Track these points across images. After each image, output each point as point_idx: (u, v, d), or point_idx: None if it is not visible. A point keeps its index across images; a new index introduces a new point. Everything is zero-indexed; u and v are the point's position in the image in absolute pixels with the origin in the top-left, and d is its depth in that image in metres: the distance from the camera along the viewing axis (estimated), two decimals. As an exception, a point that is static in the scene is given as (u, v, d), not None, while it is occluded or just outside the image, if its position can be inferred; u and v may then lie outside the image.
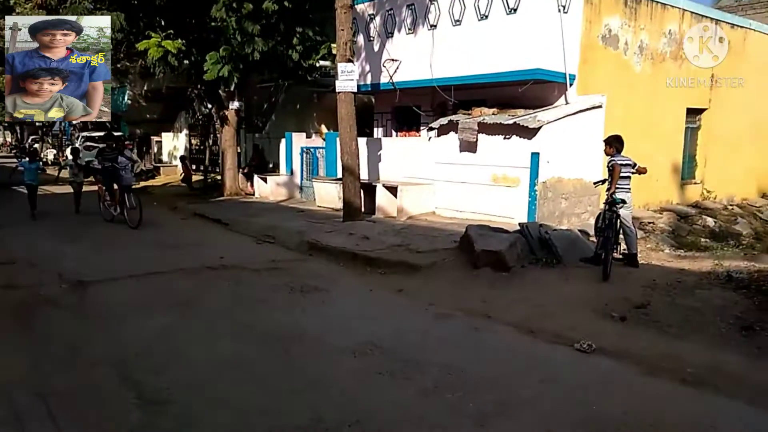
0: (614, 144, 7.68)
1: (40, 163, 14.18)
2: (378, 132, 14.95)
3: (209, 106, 18.30)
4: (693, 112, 13.48)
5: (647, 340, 5.26)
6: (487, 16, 10.88)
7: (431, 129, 11.88)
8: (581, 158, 10.58)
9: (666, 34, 12.42)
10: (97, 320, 5.92)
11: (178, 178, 21.18)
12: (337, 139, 12.28)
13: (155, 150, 25.96)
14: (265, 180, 16.14)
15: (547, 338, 5.35)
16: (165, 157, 25.83)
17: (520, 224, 8.47)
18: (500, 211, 10.24)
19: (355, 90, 11.14)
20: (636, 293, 6.52)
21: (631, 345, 5.13)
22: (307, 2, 14.45)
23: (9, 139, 51.80)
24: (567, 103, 10.72)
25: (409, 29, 12.48)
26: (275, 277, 7.63)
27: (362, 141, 12.27)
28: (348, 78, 10.78)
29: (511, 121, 10.11)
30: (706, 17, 13.28)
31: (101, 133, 23.37)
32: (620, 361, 4.80)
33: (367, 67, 13.56)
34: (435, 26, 11.87)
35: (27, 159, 13.41)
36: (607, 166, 7.74)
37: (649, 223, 10.91)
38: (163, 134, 25.97)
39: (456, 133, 11.14)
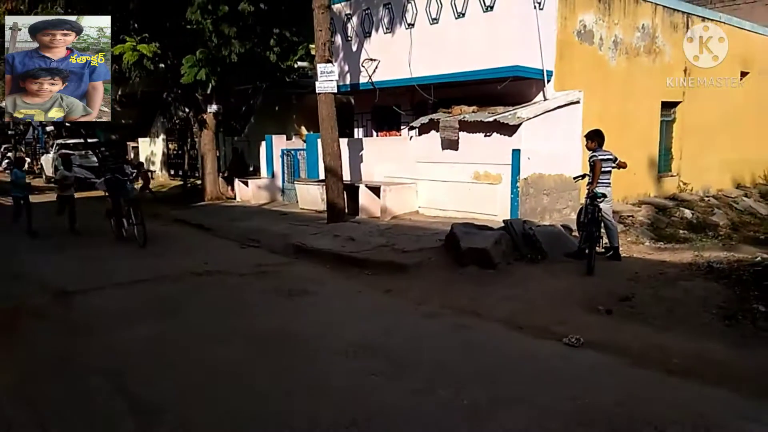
0: (595, 138, 7.80)
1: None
2: (358, 132, 14.96)
3: (186, 110, 18.17)
4: (668, 106, 13.71)
5: (633, 332, 5.35)
6: (464, 14, 10.95)
7: (412, 128, 11.93)
8: (561, 154, 10.70)
9: (639, 28, 12.62)
10: (85, 330, 5.84)
11: (157, 185, 20.96)
12: (318, 140, 12.28)
13: (132, 156, 25.66)
14: (246, 183, 16.06)
15: (536, 333, 5.42)
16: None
17: (504, 221, 8.55)
18: (483, 209, 10.31)
19: (336, 91, 11.14)
20: (620, 286, 6.64)
21: (617, 337, 5.22)
22: (284, 3, 14.40)
23: None
24: (545, 99, 10.84)
25: (386, 28, 12.51)
26: (262, 282, 7.61)
27: (343, 142, 12.27)
28: (328, 79, 10.78)
29: (491, 119, 10.20)
30: (678, 11, 13.53)
31: (76, 141, 23.08)
32: (608, 353, 4.88)
33: (346, 68, 13.56)
34: (413, 25, 11.91)
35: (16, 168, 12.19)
36: (588, 162, 7.85)
37: (629, 216, 11.08)
38: (140, 139, 25.68)
39: (437, 131, 11.21)
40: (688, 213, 12.13)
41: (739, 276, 6.57)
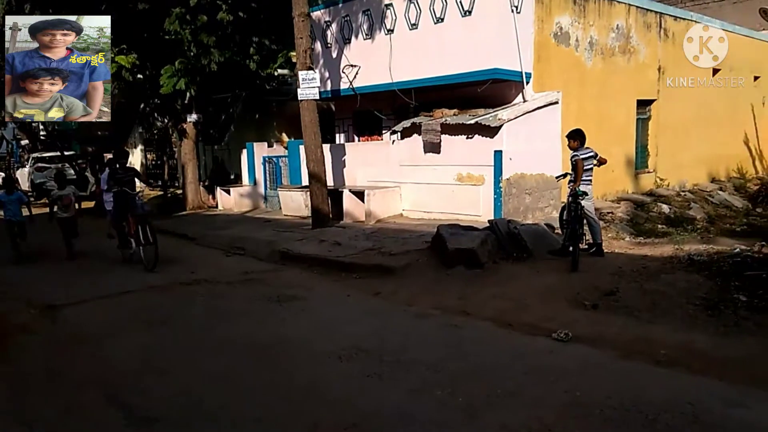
0: (577, 138, 7.96)
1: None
2: (340, 138, 15.02)
3: (165, 119, 18.06)
4: (643, 104, 13.98)
5: (620, 326, 5.48)
6: (442, 19, 11.08)
7: (394, 132, 12.03)
8: (541, 153, 10.87)
9: (614, 29, 12.86)
10: (74, 344, 5.80)
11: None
12: (301, 146, 12.31)
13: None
14: (228, 192, 16.01)
15: (525, 330, 5.52)
16: None
17: (489, 221, 8.67)
18: (467, 210, 10.43)
19: (318, 97, 11.20)
20: (605, 281, 6.77)
21: (605, 331, 5.34)
22: (263, 12, 14.42)
23: None
24: (525, 100, 11.01)
25: (366, 34, 12.60)
26: (250, 289, 7.62)
27: (326, 147, 12.30)
28: (310, 86, 10.83)
29: (472, 121, 10.33)
30: (651, 11, 13.83)
31: (52, 154, 22.75)
32: (597, 347, 4.99)
33: (327, 74, 13.61)
34: (392, 31, 12.01)
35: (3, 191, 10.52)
36: (571, 161, 8.00)
37: (609, 213, 11.28)
38: (118, 150, 25.41)
39: (419, 135, 11.31)
40: (665, 208, 12.38)
41: (720, 267, 6.75)
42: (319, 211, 11.15)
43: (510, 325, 5.69)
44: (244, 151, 16.10)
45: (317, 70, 12.41)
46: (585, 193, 7.81)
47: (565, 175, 8.43)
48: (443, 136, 10.97)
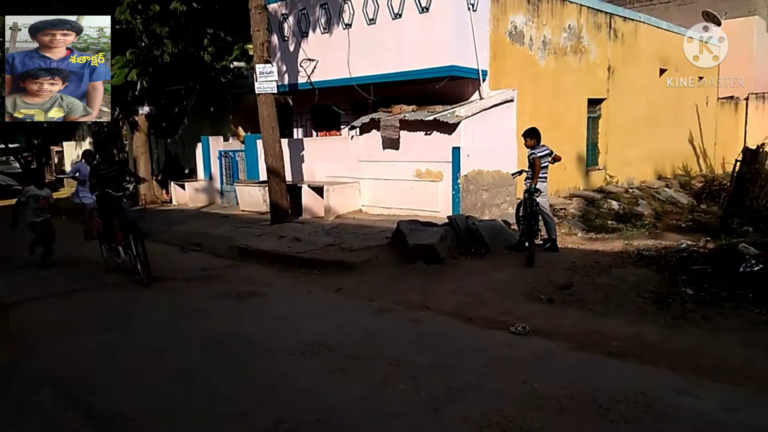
0: (534, 136, 8.15)
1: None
2: (297, 132, 14.91)
3: (115, 111, 17.53)
4: (593, 103, 14.38)
5: (574, 319, 5.67)
6: (400, 15, 11.13)
7: (353, 128, 12.03)
8: (498, 150, 11.06)
9: (566, 29, 13.18)
10: (26, 342, 5.64)
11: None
12: (258, 141, 12.20)
13: (56, 160, 24.53)
14: (182, 186, 15.71)
15: (484, 324, 5.65)
16: (68, 168, 24.43)
17: (448, 217, 8.79)
18: (425, 206, 10.55)
19: (276, 91, 11.09)
20: (559, 276, 6.99)
21: (560, 324, 5.52)
22: (218, 3, 14.17)
23: None
24: (481, 98, 11.18)
25: (324, 29, 12.53)
26: (209, 286, 7.52)
27: (284, 142, 12.21)
28: (267, 79, 10.72)
29: (431, 118, 10.43)
30: (601, 11, 14.22)
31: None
32: (553, 340, 5.15)
33: (284, 67, 13.49)
34: (350, 25, 11.99)
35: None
36: (528, 159, 8.19)
37: (561, 209, 11.59)
38: (65, 143, 24.56)
39: (378, 130, 11.35)
40: (615, 204, 12.80)
41: (667, 262, 7.06)
42: (278, 207, 11.07)
43: (469, 319, 5.81)
44: (199, 145, 15.80)
45: (274, 64, 12.29)
46: (540, 190, 8.02)
47: (521, 172, 8.63)
48: (402, 132, 11.05)
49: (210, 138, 15.58)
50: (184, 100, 18.66)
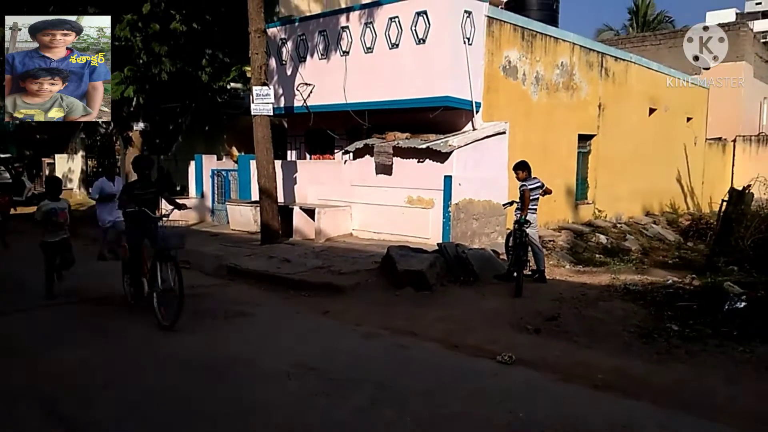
0: (525, 169, 8.28)
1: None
2: (291, 155, 15.00)
3: (110, 126, 17.59)
4: (584, 138, 14.62)
5: (560, 350, 5.70)
6: (397, 45, 11.33)
7: (347, 152, 12.14)
8: (489, 181, 11.20)
9: (559, 66, 13.46)
10: (6, 355, 5.57)
11: (75, 203, 20.01)
12: (251, 161, 12.24)
13: (47, 173, 24.41)
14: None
15: (471, 352, 5.66)
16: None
17: (438, 244, 8.85)
18: (416, 232, 10.61)
19: (272, 113, 11.20)
20: (546, 307, 7.03)
21: (546, 355, 5.54)
22: (217, 24, 14.36)
23: None
24: (474, 129, 11.35)
25: (321, 54, 12.72)
26: (196, 304, 7.42)
27: (277, 164, 12.27)
28: (263, 101, 10.82)
29: (424, 146, 10.56)
30: (594, 50, 14.56)
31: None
32: (539, 370, 5.17)
33: (280, 90, 13.63)
34: (347, 53, 12.18)
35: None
36: (519, 191, 8.30)
37: (550, 241, 11.69)
38: (57, 156, 24.48)
39: (372, 156, 11.46)
40: (603, 238, 12.93)
41: (654, 297, 7.14)
42: (269, 227, 11.08)
43: (456, 346, 5.82)
44: (192, 163, 15.82)
45: (271, 86, 12.43)
46: (529, 222, 8.11)
47: (511, 203, 8.73)
48: (395, 159, 11.16)
49: (204, 156, 15.61)
50: (179, 118, 18.76)
